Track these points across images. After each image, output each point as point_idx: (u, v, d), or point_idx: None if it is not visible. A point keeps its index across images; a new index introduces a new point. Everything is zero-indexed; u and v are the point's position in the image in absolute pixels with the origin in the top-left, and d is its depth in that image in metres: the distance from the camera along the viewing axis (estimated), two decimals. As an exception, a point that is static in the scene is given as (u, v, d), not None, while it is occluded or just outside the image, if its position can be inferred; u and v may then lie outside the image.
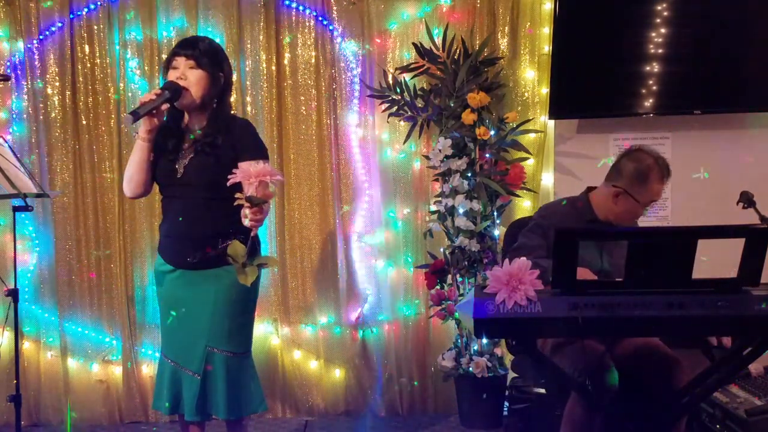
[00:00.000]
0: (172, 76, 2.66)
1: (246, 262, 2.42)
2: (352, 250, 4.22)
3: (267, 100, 4.13)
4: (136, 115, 2.55)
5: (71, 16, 4.10)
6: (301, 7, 4.14)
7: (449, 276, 3.97)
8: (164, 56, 4.06)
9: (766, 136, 4.09)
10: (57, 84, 4.13)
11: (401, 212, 4.22)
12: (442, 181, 3.98)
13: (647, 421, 2.48)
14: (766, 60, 3.93)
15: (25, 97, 4.13)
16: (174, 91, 2.61)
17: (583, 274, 2.48)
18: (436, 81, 4.05)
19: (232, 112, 3.96)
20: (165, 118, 2.73)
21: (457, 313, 3.80)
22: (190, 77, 2.64)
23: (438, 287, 3.99)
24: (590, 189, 3.00)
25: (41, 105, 4.12)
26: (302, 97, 4.17)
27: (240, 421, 2.78)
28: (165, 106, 2.62)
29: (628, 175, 2.82)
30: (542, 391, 3.63)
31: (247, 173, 2.34)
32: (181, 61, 2.65)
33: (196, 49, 2.65)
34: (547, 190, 4.19)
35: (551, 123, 4.13)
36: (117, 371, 4.21)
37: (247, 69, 4.14)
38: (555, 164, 4.17)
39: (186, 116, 2.74)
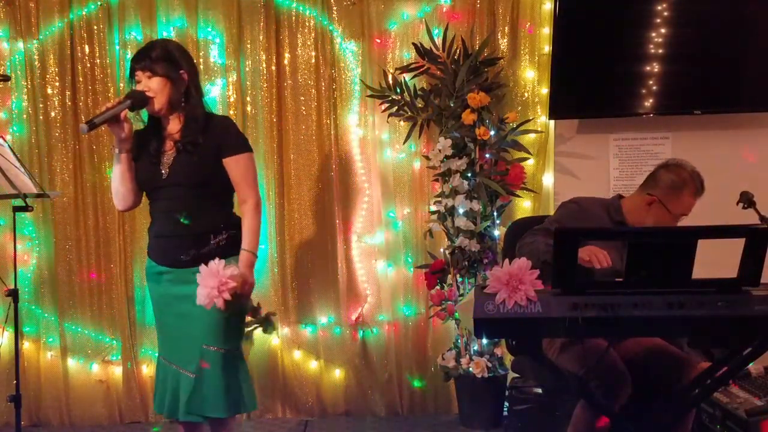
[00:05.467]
0: (138, 88, 2.69)
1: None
2: (352, 250, 4.22)
3: (267, 100, 4.13)
4: (91, 125, 2.56)
5: (71, 16, 4.10)
6: (301, 7, 4.14)
7: (449, 276, 3.97)
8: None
9: (766, 136, 4.09)
10: (57, 84, 4.13)
11: (401, 212, 4.22)
12: (442, 181, 3.98)
13: (656, 422, 2.48)
14: (766, 60, 3.93)
15: (25, 97, 4.13)
16: (136, 99, 2.64)
17: (597, 252, 2.47)
18: (436, 81, 4.05)
19: (231, 112, 4.03)
20: (143, 125, 2.77)
21: (457, 313, 3.80)
22: (152, 86, 2.66)
23: (438, 287, 3.99)
24: (620, 197, 3.01)
25: (41, 105, 4.12)
26: (302, 97, 4.17)
27: (230, 420, 2.77)
28: (124, 114, 2.62)
29: (664, 186, 2.86)
30: (542, 391, 3.63)
31: (213, 289, 2.46)
32: (140, 75, 2.68)
33: (147, 59, 2.66)
34: (547, 190, 4.19)
35: (551, 123, 4.13)
36: (117, 371, 4.21)
37: (247, 69, 4.14)
38: (555, 164, 4.17)
39: (164, 120, 2.75)
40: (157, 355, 2.88)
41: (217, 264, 2.49)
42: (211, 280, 2.47)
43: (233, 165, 2.70)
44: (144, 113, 2.77)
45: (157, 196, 2.74)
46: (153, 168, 2.70)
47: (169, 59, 2.68)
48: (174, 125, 2.73)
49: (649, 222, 2.86)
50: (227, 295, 2.47)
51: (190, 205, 2.67)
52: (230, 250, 2.70)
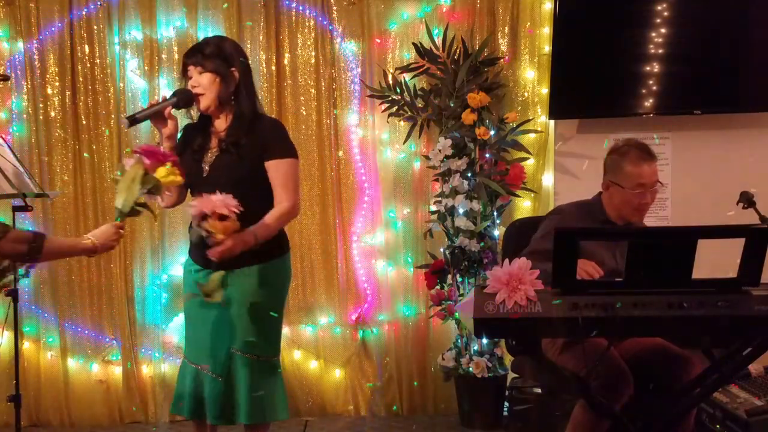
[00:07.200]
0: (189, 85, 2.67)
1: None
2: (352, 250, 4.22)
3: (267, 100, 4.12)
4: (133, 120, 2.56)
5: (71, 16, 4.10)
6: (301, 7, 4.14)
7: (449, 276, 3.97)
8: (164, 56, 4.11)
9: (766, 136, 4.09)
10: (57, 84, 4.13)
11: (401, 212, 4.22)
12: (442, 181, 3.98)
13: (656, 422, 2.47)
14: (766, 60, 3.93)
15: (25, 97, 4.13)
16: (182, 96, 2.62)
17: (586, 265, 2.47)
18: (436, 81, 4.05)
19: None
20: (193, 121, 2.74)
21: (457, 313, 3.80)
22: (202, 81, 2.63)
23: (438, 287, 3.99)
24: (602, 193, 3.01)
25: (41, 105, 4.12)
26: (302, 97, 4.17)
27: (260, 426, 2.73)
28: (168, 110, 2.61)
29: (608, 167, 2.87)
30: (542, 391, 3.63)
31: (207, 204, 2.37)
32: (192, 70, 2.66)
33: (199, 54, 2.64)
34: (547, 190, 4.19)
35: (551, 123, 4.13)
36: (117, 371, 4.21)
37: (247, 69, 4.14)
38: (555, 164, 4.17)
39: (213, 118, 2.73)
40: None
41: (224, 196, 2.41)
42: (209, 202, 2.39)
43: (274, 169, 2.65)
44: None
45: (198, 193, 2.68)
46: (195, 165, 2.67)
47: (221, 56, 2.65)
48: (221, 123, 2.70)
49: (619, 208, 2.83)
50: (215, 216, 2.36)
51: None
52: (269, 253, 2.67)
